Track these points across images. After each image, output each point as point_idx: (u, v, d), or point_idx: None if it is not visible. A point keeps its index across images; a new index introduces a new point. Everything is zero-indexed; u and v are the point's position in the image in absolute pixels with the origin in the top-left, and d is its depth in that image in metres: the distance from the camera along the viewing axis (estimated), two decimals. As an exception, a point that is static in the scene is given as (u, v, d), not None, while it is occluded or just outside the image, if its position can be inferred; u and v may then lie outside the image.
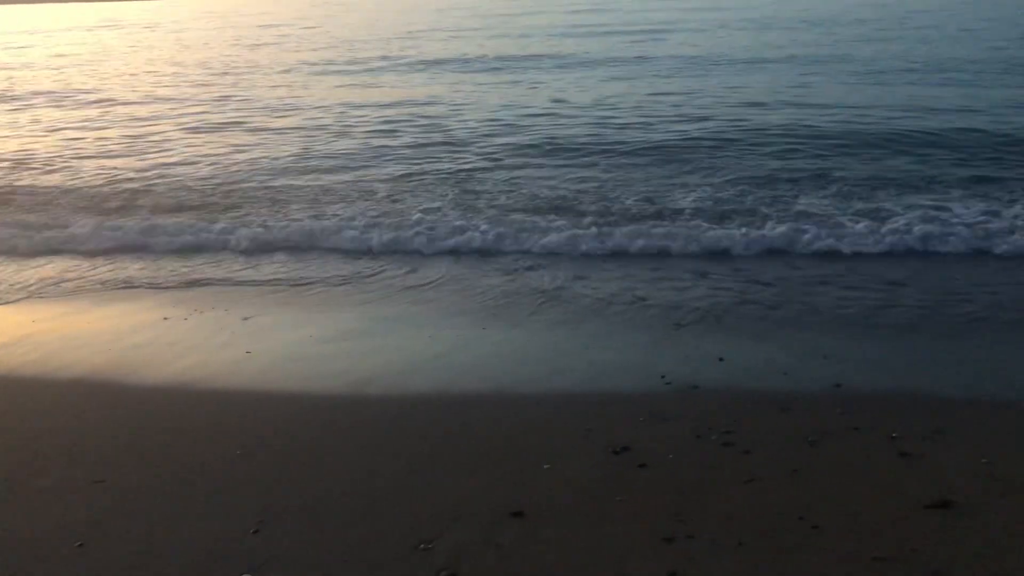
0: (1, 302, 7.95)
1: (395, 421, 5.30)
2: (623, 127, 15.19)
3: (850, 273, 7.86)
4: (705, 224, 9.30)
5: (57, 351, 6.58)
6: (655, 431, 4.98)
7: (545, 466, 4.64)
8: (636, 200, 10.47)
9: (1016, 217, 9.08)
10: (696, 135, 14.10)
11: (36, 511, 4.39)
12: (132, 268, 8.91)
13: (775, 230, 8.91)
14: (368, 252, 9.10)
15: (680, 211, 9.95)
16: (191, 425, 5.31)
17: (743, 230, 8.98)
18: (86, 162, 14.23)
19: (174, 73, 27.28)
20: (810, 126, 14.30)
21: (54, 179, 13.21)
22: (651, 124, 15.24)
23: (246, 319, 7.19)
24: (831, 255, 8.38)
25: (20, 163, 14.37)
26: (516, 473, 4.59)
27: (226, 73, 26.46)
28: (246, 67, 27.80)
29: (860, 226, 8.94)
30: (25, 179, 13.30)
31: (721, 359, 5.98)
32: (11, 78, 27.61)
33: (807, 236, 8.71)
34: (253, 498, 4.40)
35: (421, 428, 5.18)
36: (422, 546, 3.96)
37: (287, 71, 26.35)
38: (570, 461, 4.68)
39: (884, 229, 8.82)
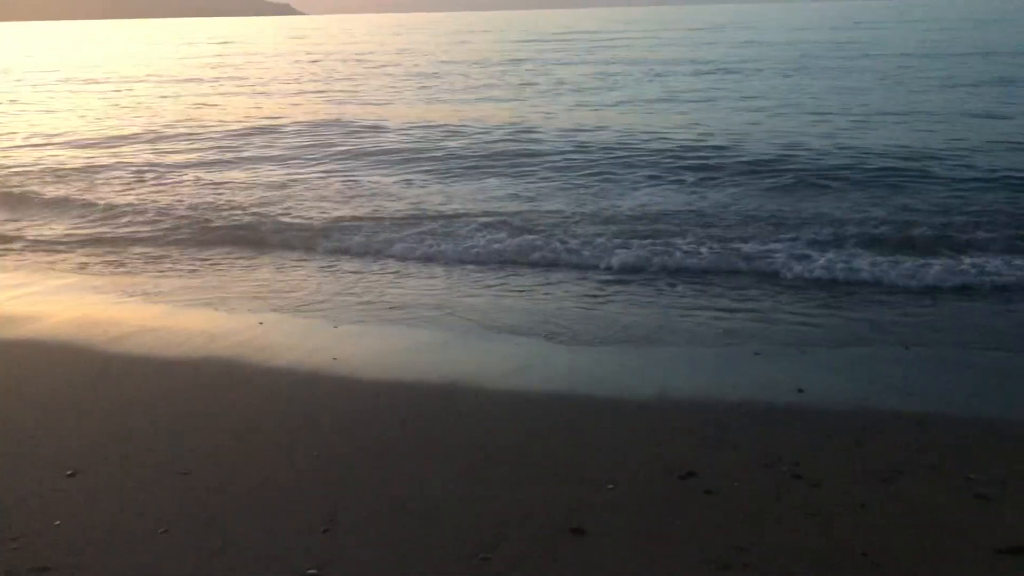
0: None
1: (465, 430, 5.44)
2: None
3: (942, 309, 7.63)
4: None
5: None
6: (724, 457, 4.96)
7: (609, 485, 4.68)
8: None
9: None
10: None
11: (125, 496, 4.70)
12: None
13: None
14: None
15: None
16: (272, 427, 5.57)
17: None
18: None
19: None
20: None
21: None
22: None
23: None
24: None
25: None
26: (580, 489, 4.65)
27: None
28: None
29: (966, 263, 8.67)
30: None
31: (800, 390, 5.90)
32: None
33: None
34: (323, 499, 4.60)
35: (490, 438, 5.30)
36: (480, 555, 4.06)
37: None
38: (635, 482, 4.72)
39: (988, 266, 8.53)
